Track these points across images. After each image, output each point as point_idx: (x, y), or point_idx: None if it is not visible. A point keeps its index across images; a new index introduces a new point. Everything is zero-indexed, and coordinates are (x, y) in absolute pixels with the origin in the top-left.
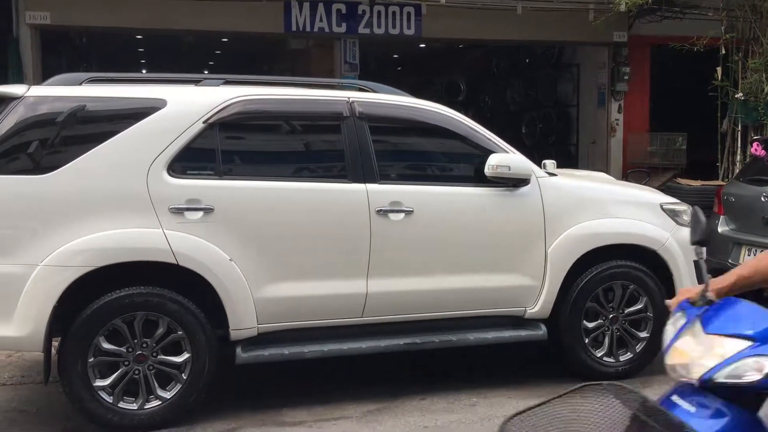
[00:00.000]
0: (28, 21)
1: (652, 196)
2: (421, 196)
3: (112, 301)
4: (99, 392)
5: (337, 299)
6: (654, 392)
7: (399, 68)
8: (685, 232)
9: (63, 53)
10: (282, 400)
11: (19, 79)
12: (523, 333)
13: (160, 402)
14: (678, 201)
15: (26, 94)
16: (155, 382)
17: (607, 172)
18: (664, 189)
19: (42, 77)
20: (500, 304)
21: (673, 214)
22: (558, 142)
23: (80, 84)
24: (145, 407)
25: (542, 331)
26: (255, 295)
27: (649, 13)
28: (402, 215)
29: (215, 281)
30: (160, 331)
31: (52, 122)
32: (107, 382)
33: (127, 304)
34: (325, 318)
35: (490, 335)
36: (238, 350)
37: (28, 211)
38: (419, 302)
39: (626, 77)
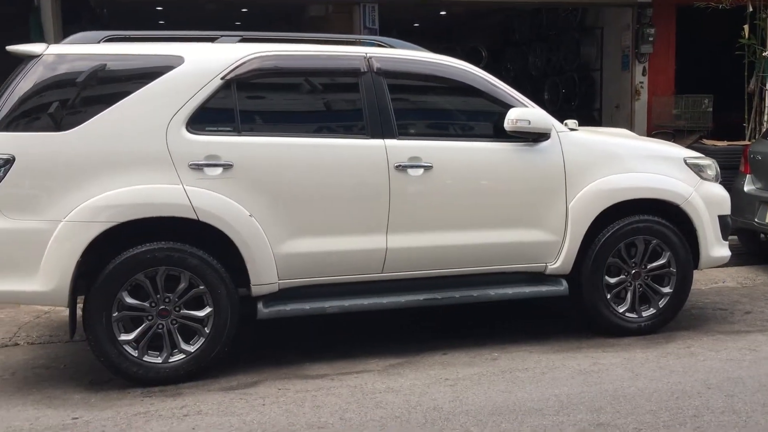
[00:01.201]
0: None
1: (675, 151)
2: (440, 151)
3: (135, 256)
4: (124, 346)
5: (357, 255)
6: (677, 347)
7: (419, 35)
8: (710, 187)
9: (84, 23)
10: (304, 354)
11: None
12: (543, 289)
13: (184, 355)
14: (702, 155)
15: (45, 53)
16: (179, 336)
17: None
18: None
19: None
20: (521, 259)
21: (697, 169)
22: (581, 107)
23: (98, 42)
24: (170, 361)
25: (563, 286)
26: (275, 250)
27: None
28: (421, 171)
29: (235, 236)
30: (182, 285)
31: (72, 80)
32: (131, 336)
33: (148, 259)
34: (346, 273)
35: (511, 291)
36: (260, 305)
37: (50, 168)
38: (439, 258)
39: (651, 39)
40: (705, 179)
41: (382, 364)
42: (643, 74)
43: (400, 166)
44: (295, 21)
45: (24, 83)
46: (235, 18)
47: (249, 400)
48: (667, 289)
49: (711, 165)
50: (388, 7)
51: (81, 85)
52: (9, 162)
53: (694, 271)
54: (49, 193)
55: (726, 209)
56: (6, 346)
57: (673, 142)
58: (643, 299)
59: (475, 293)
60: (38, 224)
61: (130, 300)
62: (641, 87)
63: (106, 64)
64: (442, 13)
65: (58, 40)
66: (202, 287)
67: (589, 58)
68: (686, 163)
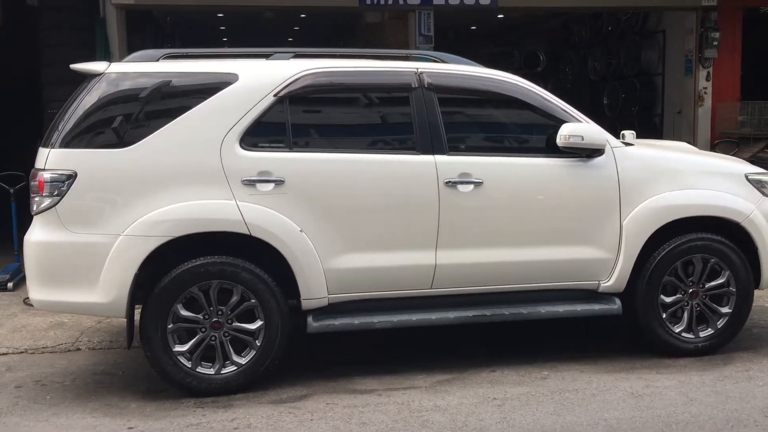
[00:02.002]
0: (114, 1)
1: (736, 166)
2: (491, 167)
3: (189, 270)
4: (178, 357)
5: (406, 270)
6: (735, 370)
7: (476, 40)
8: None
9: (147, 33)
10: (353, 368)
11: (106, 58)
12: (596, 307)
13: (235, 367)
14: (765, 171)
15: (107, 71)
16: (231, 348)
17: (693, 143)
18: (755, 160)
19: (127, 56)
20: (573, 277)
21: (759, 185)
22: (642, 113)
23: (157, 60)
24: (222, 372)
25: (617, 305)
26: (325, 265)
27: None
28: (471, 186)
29: (286, 252)
30: (234, 299)
31: (132, 97)
32: (185, 347)
33: (203, 273)
34: (395, 289)
35: (562, 309)
36: (310, 319)
37: (110, 184)
38: (489, 274)
39: (716, 43)
40: (767, 195)
41: (429, 380)
42: (707, 79)
43: (449, 182)
44: (351, 27)
45: (86, 101)
46: (293, 24)
47: (297, 415)
48: (726, 309)
49: None
50: (444, 13)
51: (141, 102)
52: (71, 177)
53: (757, 290)
54: (108, 207)
55: None
56: (69, 350)
57: (738, 149)
58: (701, 319)
59: (525, 310)
60: (98, 238)
61: (184, 312)
62: (705, 93)
63: (164, 82)
64: (500, 16)
65: (122, 49)
66: (253, 301)
67: (651, 63)
68: (748, 179)
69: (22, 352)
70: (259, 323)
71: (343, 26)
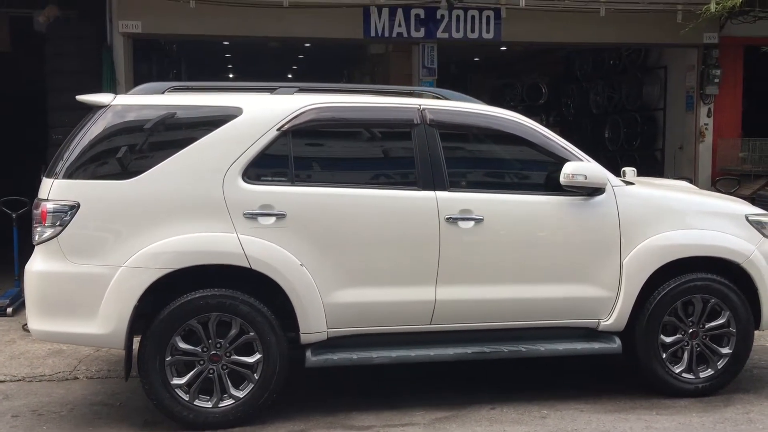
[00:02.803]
0: (121, 30)
1: (736, 207)
2: (491, 204)
3: (188, 303)
4: (176, 390)
5: (406, 306)
6: (735, 412)
7: (479, 72)
8: None
9: (153, 60)
10: (352, 403)
11: (112, 85)
12: (596, 346)
13: (233, 401)
14: (765, 212)
15: (112, 103)
16: (229, 382)
17: (694, 178)
18: (756, 197)
19: (134, 83)
20: (573, 315)
21: (759, 226)
22: (643, 147)
23: (162, 93)
24: (219, 405)
25: (616, 344)
26: (325, 300)
27: (741, 14)
28: (472, 223)
29: (286, 285)
30: (233, 332)
31: (136, 129)
32: (183, 380)
33: (201, 306)
34: (394, 324)
35: (561, 347)
36: (308, 353)
37: (112, 215)
38: (488, 311)
39: (717, 80)
40: (767, 237)
41: (428, 417)
42: (708, 116)
43: (450, 218)
44: (355, 58)
45: (91, 132)
46: (297, 53)
47: None
48: (726, 350)
49: None
50: (447, 46)
51: (145, 134)
52: (74, 208)
53: (757, 330)
54: (110, 238)
55: None
56: (66, 379)
57: (739, 186)
58: (701, 360)
59: (524, 348)
60: (99, 269)
61: (183, 345)
62: (706, 129)
63: (169, 115)
64: (503, 48)
65: (128, 76)
66: (252, 334)
67: (652, 98)
68: (748, 220)
69: (20, 380)
70: (257, 356)
71: (347, 57)
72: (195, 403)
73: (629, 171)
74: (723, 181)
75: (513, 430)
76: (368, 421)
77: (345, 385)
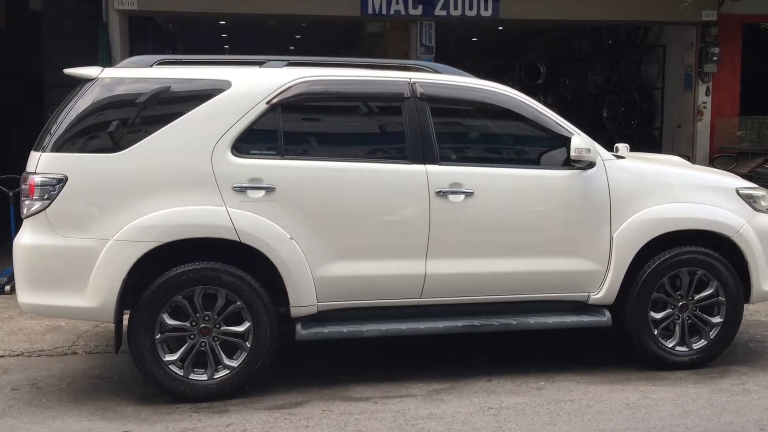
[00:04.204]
0: (116, 7)
1: (726, 180)
2: (481, 177)
3: (170, 279)
4: (169, 366)
5: (396, 279)
6: (731, 383)
7: (477, 52)
8: (764, 219)
9: (150, 39)
10: (350, 376)
11: (108, 63)
12: (586, 319)
13: (228, 371)
14: (756, 186)
15: (100, 76)
16: (222, 353)
17: (692, 157)
18: (753, 175)
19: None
20: (563, 288)
21: (750, 200)
22: (641, 126)
23: (151, 66)
24: (215, 377)
25: (606, 317)
26: (315, 273)
27: None
28: (462, 197)
29: (276, 259)
30: (220, 303)
31: (124, 103)
32: (176, 356)
33: (184, 281)
34: (384, 298)
35: (551, 320)
36: (298, 327)
37: (100, 188)
38: (479, 285)
39: (715, 58)
40: (759, 210)
41: (426, 389)
42: (707, 94)
43: (440, 191)
44: (353, 37)
45: (78, 105)
46: (294, 32)
47: (293, 421)
48: (717, 319)
49: (764, 196)
50: (445, 25)
51: (133, 107)
52: (62, 182)
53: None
54: (99, 212)
55: None
56: (65, 354)
57: (737, 164)
58: (693, 331)
59: (515, 321)
60: (88, 242)
61: (171, 321)
62: (704, 107)
63: (158, 88)
64: (501, 28)
65: (124, 54)
66: (239, 303)
67: (651, 77)
68: (738, 194)
69: (19, 355)
70: (247, 324)
71: (344, 35)
72: (190, 377)
73: (622, 147)
74: (720, 159)
75: (509, 401)
76: (366, 393)
77: (344, 360)
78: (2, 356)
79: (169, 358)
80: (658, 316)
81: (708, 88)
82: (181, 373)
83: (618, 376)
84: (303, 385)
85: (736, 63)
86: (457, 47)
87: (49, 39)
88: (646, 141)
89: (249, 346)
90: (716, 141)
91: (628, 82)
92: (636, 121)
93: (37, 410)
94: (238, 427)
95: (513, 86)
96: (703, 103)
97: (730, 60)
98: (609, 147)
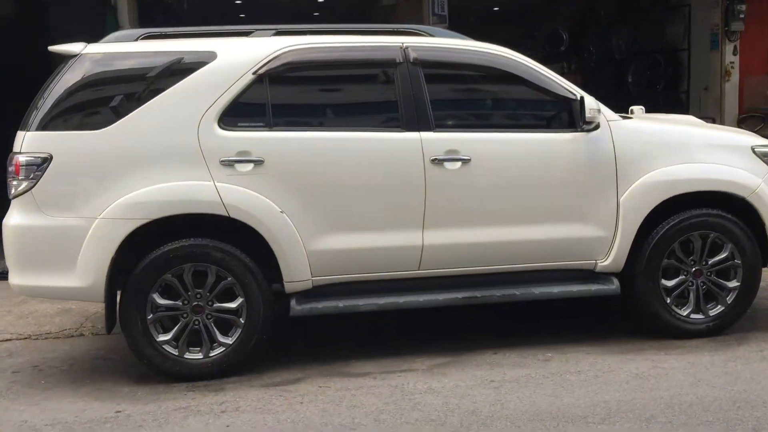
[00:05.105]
0: None
1: (741, 138)
2: (479, 143)
3: (158, 258)
4: (163, 346)
5: (392, 252)
6: (749, 350)
7: (498, 20)
8: None
9: (160, 21)
10: (352, 351)
11: None
12: (593, 287)
13: (223, 348)
14: None
15: (83, 52)
16: (216, 330)
17: (720, 119)
18: None
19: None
20: (568, 256)
21: (766, 158)
22: (667, 90)
23: (136, 40)
24: (210, 355)
25: (615, 285)
26: (308, 247)
27: None
28: (459, 164)
29: (266, 233)
30: (210, 279)
31: (108, 78)
32: (169, 336)
33: (172, 259)
34: (381, 271)
35: (557, 289)
36: (293, 302)
37: (86, 167)
38: (479, 255)
39: (742, 15)
40: None
41: (428, 363)
42: (734, 54)
43: (436, 159)
44: (367, 11)
45: (63, 82)
46: (311, 9)
47: (288, 398)
48: (734, 283)
49: None
50: None
51: (117, 83)
52: (47, 161)
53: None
54: (85, 190)
55: None
56: (72, 336)
57: (764, 125)
58: (708, 298)
59: (518, 292)
60: (75, 221)
61: (162, 301)
62: (732, 67)
63: (142, 62)
64: None
65: None
66: (230, 279)
67: (676, 38)
68: (755, 152)
69: (26, 338)
70: (240, 300)
71: (358, 9)
72: (185, 356)
73: (637, 109)
74: (749, 120)
75: (513, 374)
76: (366, 369)
77: (347, 336)
78: (9, 339)
79: (162, 338)
80: (671, 283)
81: (735, 47)
82: (175, 352)
83: (630, 346)
84: (302, 361)
85: (764, 20)
86: (478, 18)
87: (57, 24)
88: (673, 105)
89: (243, 322)
90: (745, 101)
91: (652, 45)
92: (662, 84)
93: (35, 392)
94: (231, 405)
95: (535, 55)
96: (731, 63)
97: (758, 16)
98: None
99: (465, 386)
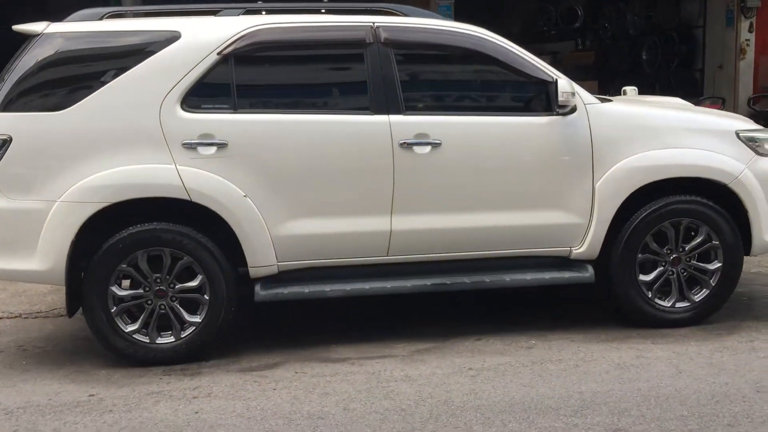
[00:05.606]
0: None
1: (725, 122)
2: (450, 127)
3: (108, 251)
4: (134, 336)
5: (360, 237)
6: (738, 340)
7: None
8: (765, 163)
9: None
10: (335, 337)
11: None
12: (566, 275)
13: (193, 327)
14: (761, 128)
15: (46, 31)
16: (183, 311)
17: (734, 98)
18: None
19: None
20: (542, 243)
21: (752, 143)
22: (681, 68)
23: (100, 19)
24: (182, 336)
25: (589, 273)
26: (273, 232)
27: None
28: (428, 148)
29: (229, 217)
30: (166, 262)
31: (70, 58)
32: (137, 325)
33: (122, 249)
34: (349, 256)
35: (529, 276)
36: (257, 287)
37: (46, 148)
38: (450, 241)
39: None
40: (762, 154)
41: (409, 349)
42: (750, 31)
43: (405, 143)
44: None
45: (24, 63)
46: None
47: (262, 384)
48: (715, 264)
49: None
50: None
51: (79, 63)
52: (6, 143)
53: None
54: (45, 173)
55: None
56: (61, 316)
57: None
58: (693, 283)
59: (488, 279)
60: (35, 204)
61: (122, 292)
62: (747, 45)
63: (105, 42)
64: None
65: None
66: (186, 258)
67: (691, 15)
68: (739, 137)
69: (17, 317)
70: (200, 277)
71: None
72: (157, 341)
73: (630, 90)
74: (763, 99)
75: (493, 361)
76: (346, 354)
77: (334, 322)
78: (0, 318)
79: (131, 328)
80: (649, 277)
81: (751, 24)
82: (146, 340)
83: (617, 334)
84: (284, 346)
85: None
86: None
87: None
88: (687, 83)
89: (208, 298)
90: (760, 80)
91: (666, 21)
92: (676, 62)
93: (14, 373)
94: (204, 391)
95: (550, 31)
96: (746, 40)
97: None
98: (649, 91)
99: (442, 374)
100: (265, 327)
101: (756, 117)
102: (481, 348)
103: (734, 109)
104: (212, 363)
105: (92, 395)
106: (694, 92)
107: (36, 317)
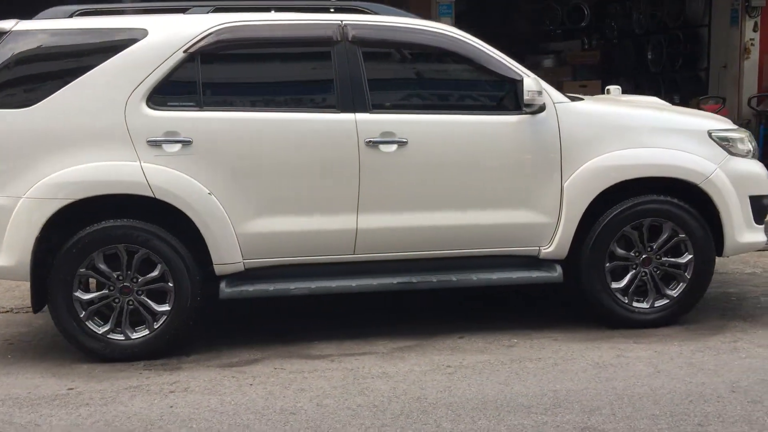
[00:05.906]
0: None
1: (697, 122)
2: (416, 125)
3: (66, 254)
4: (107, 336)
5: (326, 235)
6: (721, 340)
7: None
8: (740, 164)
9: None
10: (318, 333)
11: None
12: (534, 274)
13: (165, 316)
14: (735, 127)
15: (14, 29)
16: (151, 302)
17: (738, 98)
18: None
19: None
20: (510, 242)
21: (725, 143)
22: (686, 67)
23: (69, 16)
24: (155, 327)
25: (557, 272)
26: (238, 230)
27: None
28: (394, 146)
29: (194, 215)
30: (124, 258)
31: (38, 55)
32: (108, 326)
33: (80, 249)
34: (315, 254)
35: (496, 276)
36: (222, 285)
37: (11, 145)
38: (416, 240)
39: None
40: (735, 154)
41: (390, 346)
42: (754, 30)
43: (371, 141)
44: None
45: None
46: None
47: (240, 379)
48: (687, 257)
49: (743, 138)
50: None
51: (46, 60)
52: None
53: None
54: (12, 169)
55: (762, 188)
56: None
57: None
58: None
59: (455, 278)
60: (1, 200)
61: (86, 296)
62: (751, 44)
63: (72, 39)
64: None
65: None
66: (142, 251)
67: (696, 14)
68: (711, 137)
69: (7, 312)
70: (159, 267)
71: None
72: (133, 336)
73: (614, 89)
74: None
75: (472, 359)
76: (327, 351)
77: (321, 318)
78: None
79: (104, 329)
80: (621, 284)
81: (756, 24)
82: (121, 338)
83: (600, 333)
84: (266, 342)
85: None
86: None
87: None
88: (692, 83)
89: (172, 286)
90: (764, 80)
91: (671, 20)
92: (680, 62)
93: None
94: (181, 386)
95: (556, 31)
96: (751, 39)
97: None
98: (654, 91)
99: (419, 371)
100: (249, 323)
101: (757, 117)
102: (463, 346)
103: (737, 109)
104: (193, 358)
105: (71, 389)
106: (699, 92)
107: (27, 312)
